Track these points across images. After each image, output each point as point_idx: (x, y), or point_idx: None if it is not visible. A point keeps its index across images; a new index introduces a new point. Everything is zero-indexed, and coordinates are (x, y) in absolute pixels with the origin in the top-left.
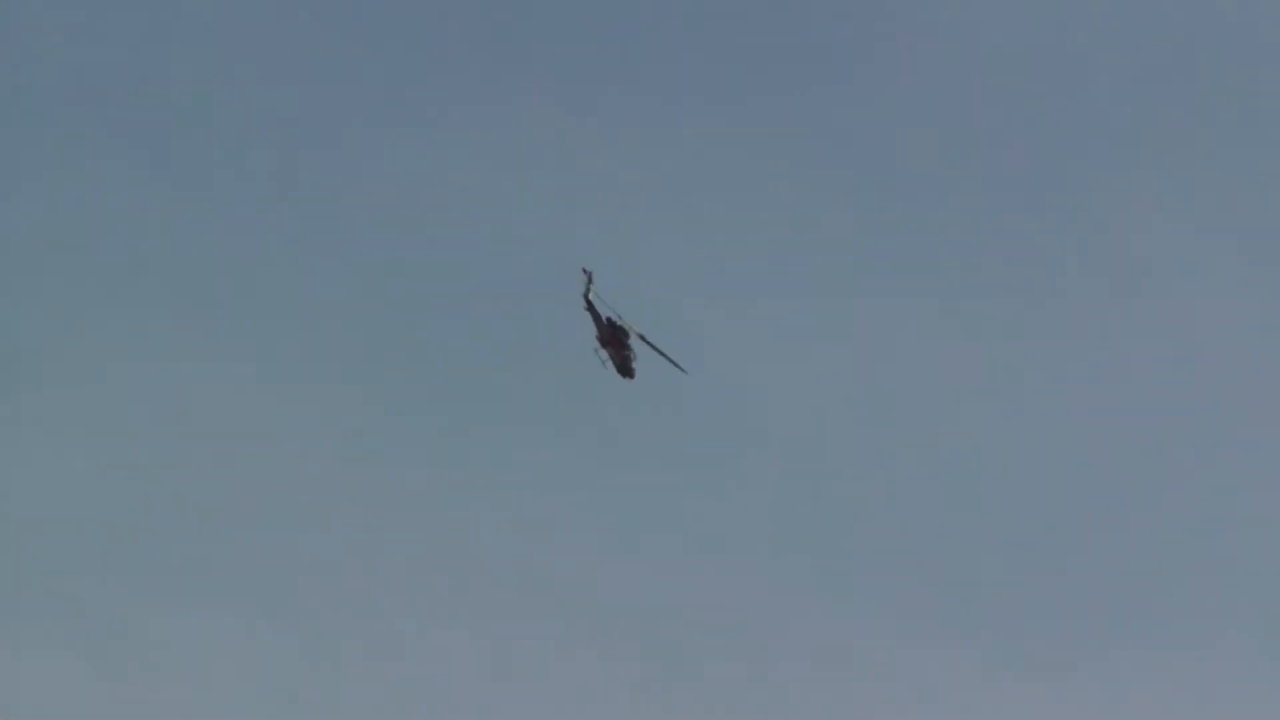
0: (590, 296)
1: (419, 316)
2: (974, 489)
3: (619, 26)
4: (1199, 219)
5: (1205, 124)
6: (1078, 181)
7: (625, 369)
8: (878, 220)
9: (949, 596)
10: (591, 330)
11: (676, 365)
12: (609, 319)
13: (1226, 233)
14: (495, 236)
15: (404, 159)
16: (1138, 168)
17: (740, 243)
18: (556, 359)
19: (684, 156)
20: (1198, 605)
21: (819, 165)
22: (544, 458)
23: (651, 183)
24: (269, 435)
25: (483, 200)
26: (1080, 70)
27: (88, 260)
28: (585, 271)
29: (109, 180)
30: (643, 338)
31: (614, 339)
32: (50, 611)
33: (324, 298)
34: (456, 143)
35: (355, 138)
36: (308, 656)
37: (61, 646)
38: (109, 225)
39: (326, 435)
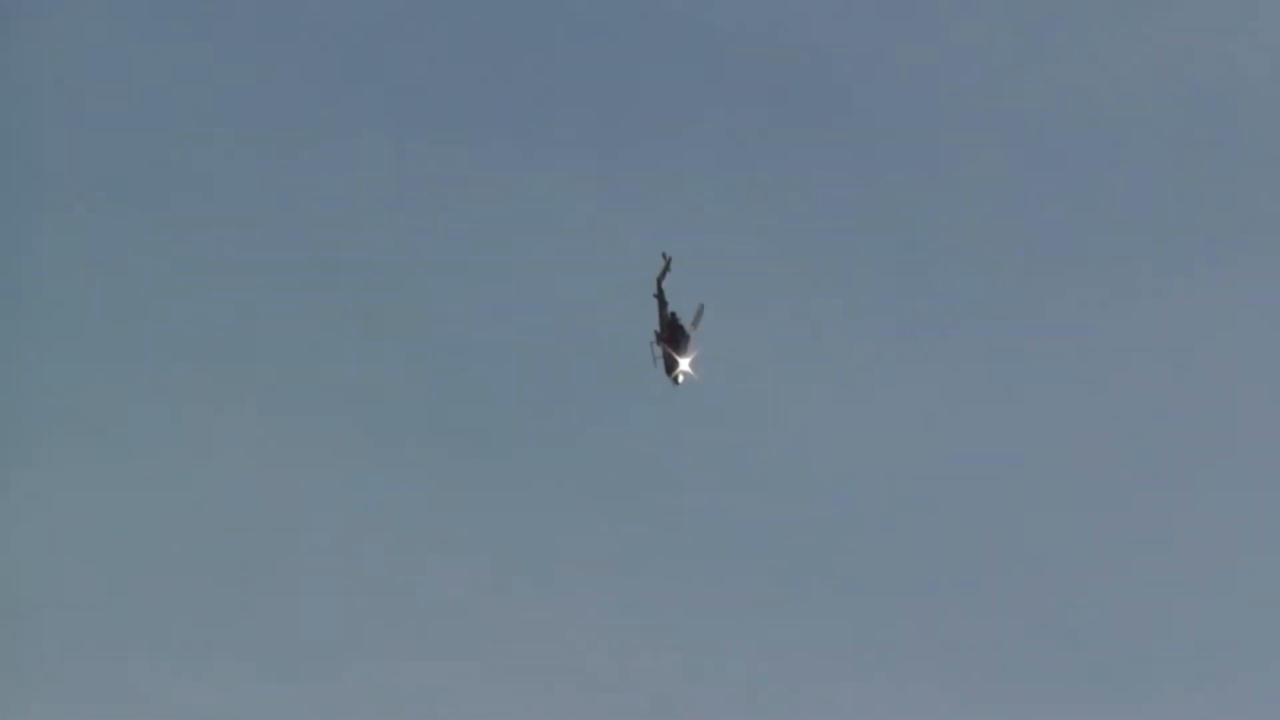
0: (663, 283)
1: (443, 388)
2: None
3: (647, 105)
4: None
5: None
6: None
7: (674, 370)
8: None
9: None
10: (651, 323)
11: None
12: (673, 315)
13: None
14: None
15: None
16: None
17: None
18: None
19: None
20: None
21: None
22: (559, 532)
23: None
24: (285, 496)
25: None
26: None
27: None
28: (665, 256)
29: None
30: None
31: (672, 338)
32: (57, 670)
33: (349, 364)
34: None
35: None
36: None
37: (65, 705)
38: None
39: (344, 502)
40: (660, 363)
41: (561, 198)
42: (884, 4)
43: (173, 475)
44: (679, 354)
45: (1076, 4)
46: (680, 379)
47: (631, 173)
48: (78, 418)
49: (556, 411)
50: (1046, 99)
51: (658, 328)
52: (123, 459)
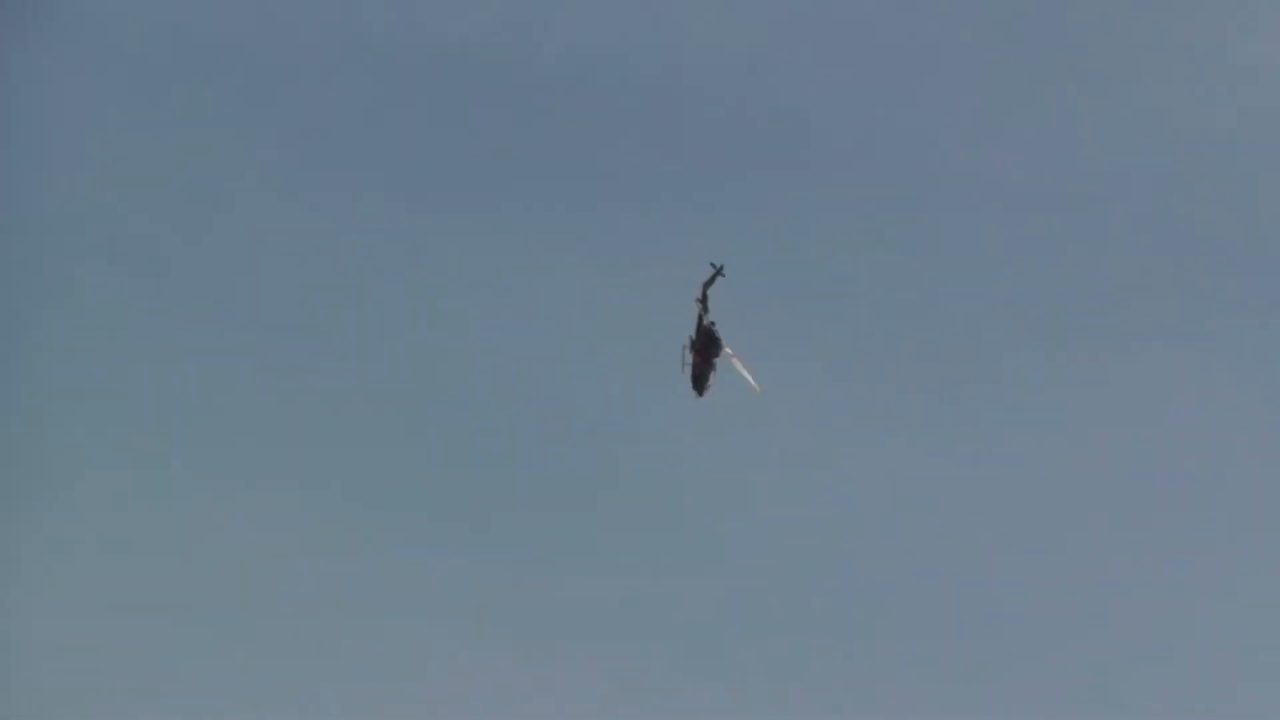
0: (708, 290)
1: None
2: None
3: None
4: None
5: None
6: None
7: (699, 382)
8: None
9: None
10: (687, 329)
11: (752, 384)
12: (711, 324)
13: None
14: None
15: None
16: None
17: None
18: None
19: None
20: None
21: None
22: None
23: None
24: (280, 537)
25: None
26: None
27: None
28: (713, 266)
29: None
30: (733, 357)
31: (705, 348)
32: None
33: (347, 420)
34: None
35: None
36: None
37: None
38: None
39: (341, 568)
40: (688, 370)
41: (548, 272)
42: (865, 76)
43: (164, 543)
44: (708, 365)
45: (1060, 74)
46: (706, 391)
47: (620, 236)
48: (64, 485)
49: (554, 476)
50: (1027, 167)
51: (693, 334)
52: (113, 525)
